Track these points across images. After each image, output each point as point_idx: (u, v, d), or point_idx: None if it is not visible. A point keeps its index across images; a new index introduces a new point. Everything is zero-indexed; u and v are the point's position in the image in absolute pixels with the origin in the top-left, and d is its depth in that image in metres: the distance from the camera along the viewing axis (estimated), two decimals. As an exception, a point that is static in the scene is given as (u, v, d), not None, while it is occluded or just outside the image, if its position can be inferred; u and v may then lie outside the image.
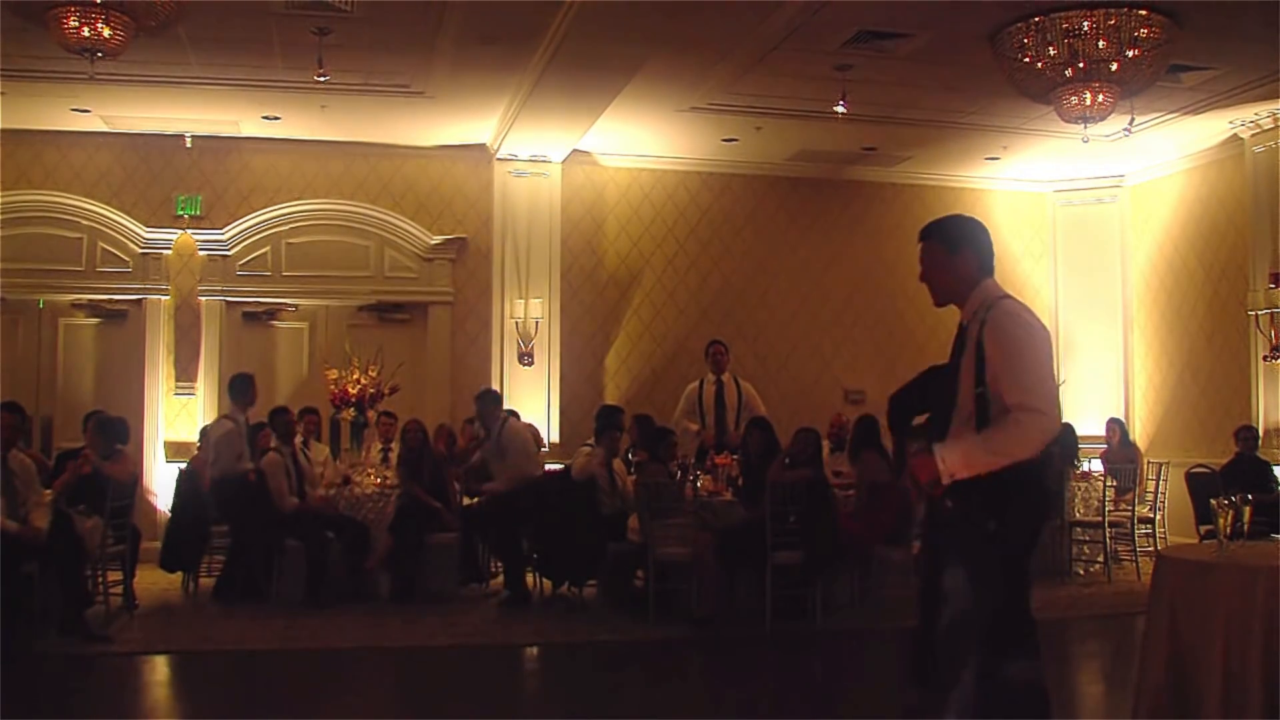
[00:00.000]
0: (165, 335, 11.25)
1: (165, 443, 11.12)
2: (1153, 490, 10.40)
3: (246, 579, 8.71)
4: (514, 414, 9.96)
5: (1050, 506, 9.21)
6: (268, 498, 8.64)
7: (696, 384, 10.39)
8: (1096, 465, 10.95)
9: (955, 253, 3.80)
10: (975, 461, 3.57)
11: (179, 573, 9.22)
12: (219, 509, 8.97)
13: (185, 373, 11.23)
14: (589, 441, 9.19)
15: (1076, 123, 8.65)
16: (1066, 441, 10.02)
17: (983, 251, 3.84)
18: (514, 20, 8.37)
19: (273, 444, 8.95)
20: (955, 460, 3.57)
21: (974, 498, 3.58)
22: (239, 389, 9.31)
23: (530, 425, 10.32)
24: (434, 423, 10.18)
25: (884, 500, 8.16)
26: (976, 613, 3.56)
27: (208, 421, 10.83)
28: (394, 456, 9.83)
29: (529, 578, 9.00)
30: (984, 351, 3.62)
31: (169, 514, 9.70)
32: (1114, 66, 8.18)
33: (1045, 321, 13.88)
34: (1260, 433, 10.41)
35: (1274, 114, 10.55)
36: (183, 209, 11.29)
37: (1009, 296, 3.77)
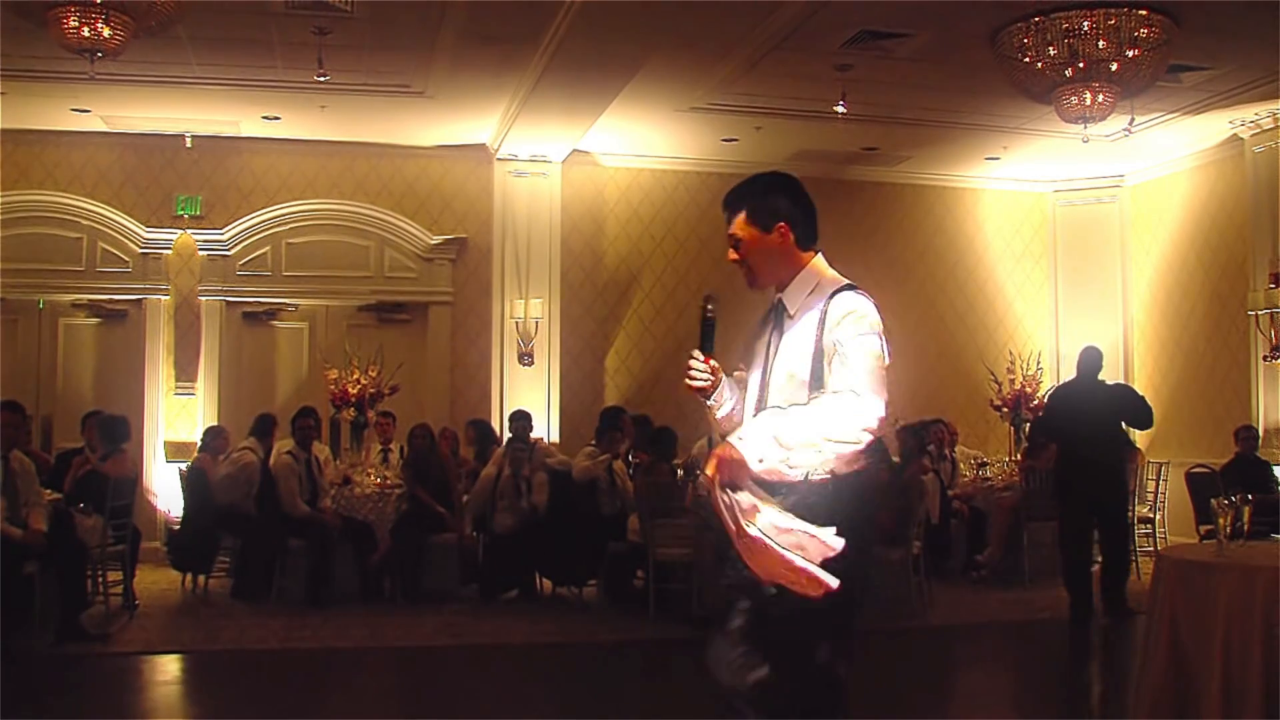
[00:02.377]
0: (165, 335, 11.25)
1: (165, 443, 11.12)
2: (1153, 490, 10.40)
3: (253, 578, 8.73)
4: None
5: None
6: (276, 499, 8.65)
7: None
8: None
9: (770, 230, 3.18)
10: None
11: (188, 572, 9.18)
12: (224, 524, 8.99)
13: (185, 373, 11.23)
14: (591, 443, 9.21)
15: (1076, 123, 8.65)
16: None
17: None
18: (514, 20, 8.37)
19: (288, 448, 8.93)
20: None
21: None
22: (262, 430, 9.28)
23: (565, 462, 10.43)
24: (434, 422, 10.17)
25: (883, 501, 8.16)
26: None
27: (208, 421, 10.84)
28: (394, 457, 9.84)
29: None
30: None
31: (180, 514, 9.62)
32: (1114, 66, 8.18)
33: (1045, 321, 13.81)
34: (1260, 433, 10.40)
35: (1274, 114, 10.55)
36: (183, 209, 11.28)
37: None
